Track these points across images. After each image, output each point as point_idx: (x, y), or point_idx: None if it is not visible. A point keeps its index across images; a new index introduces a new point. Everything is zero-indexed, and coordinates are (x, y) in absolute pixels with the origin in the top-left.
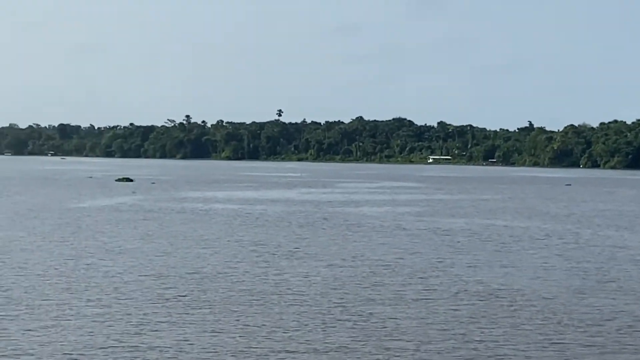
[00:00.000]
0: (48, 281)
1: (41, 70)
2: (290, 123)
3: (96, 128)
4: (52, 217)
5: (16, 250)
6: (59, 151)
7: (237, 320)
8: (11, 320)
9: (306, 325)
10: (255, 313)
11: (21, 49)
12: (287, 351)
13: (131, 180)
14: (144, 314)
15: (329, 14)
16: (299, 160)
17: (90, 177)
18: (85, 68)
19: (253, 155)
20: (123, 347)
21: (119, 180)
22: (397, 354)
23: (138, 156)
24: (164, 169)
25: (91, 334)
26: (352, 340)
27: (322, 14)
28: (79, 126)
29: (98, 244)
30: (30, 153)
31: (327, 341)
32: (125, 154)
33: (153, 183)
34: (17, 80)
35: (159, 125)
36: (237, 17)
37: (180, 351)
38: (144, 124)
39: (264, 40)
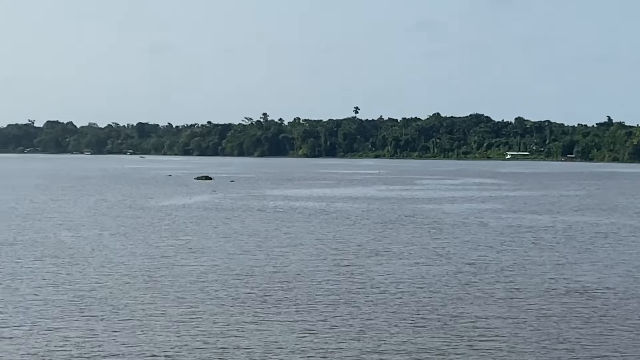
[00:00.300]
0: (132, 281)
1: (120, 70)
2: (367, 120)
3: (174, 126)
4: (133, 216)
5: (99, 250)
6: (137, 150)
7: (325, 320)
8: (97, 321)
9: (395, 325)
10: (343, 313)
11: (100, 49)
12: (378, 352)
13: (210, 179)
14: (230, 314)
15: (408, 10)
16: (376, 157)
17: (170, 176)
18: (163, 67)
19: (330, 152)
20: (210, 348)
21: (198, 178)
22: (491, 355)
23: (216, 154)
24: (242, 166)
25: (178, 334)
26: (443, 341)
27: (400, 10)
28: (157, 125)
29: (180, 243)
30: (110, 152)
31: (417, 342)
32: (203, 152)
33: (232, 181)
34: (97, 80)
35: (237, 123)
36: (314, 13)
37: (268, 352)
38: (222, 122)
39: (341, 37)
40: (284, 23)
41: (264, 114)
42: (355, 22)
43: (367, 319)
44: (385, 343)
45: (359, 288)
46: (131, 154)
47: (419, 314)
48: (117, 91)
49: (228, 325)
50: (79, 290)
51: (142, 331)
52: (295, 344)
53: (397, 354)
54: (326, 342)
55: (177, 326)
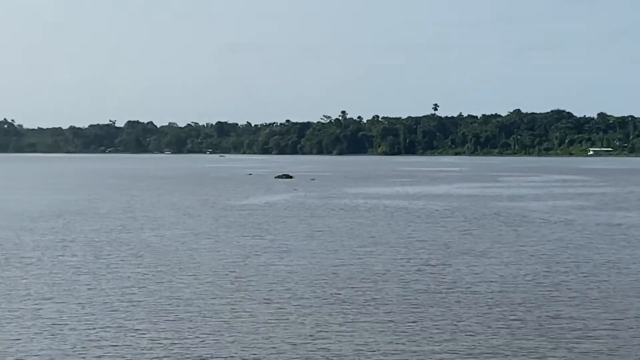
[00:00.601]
0: (218, 282)
1: (199, 69)
2: (446, 117)
3: (253, 125)
4: (216, 216)
5: (183, 250)
6: (217, 149)
7: (416, 321)
8: (184, 322)
9: (488, 327)
10: (433, 314)
11: (179, 49)
12: (473, 354)
13: (291, 177)
14: (319, 316)
15: (488, 6)
16: (456, 154)
17: (250, 174)
18: (242, 66)
19: (409, 150)
20: (299, 351)
21: (278, 177)
22: (591, 358)
23: (294, 153)
24: (321, 165)
25: (266, 337)
26: (539, 343)
27: (480, 6)
28: (236, 124)
29: (264, 243)
30: (189, 151)
31: (513, 344)
32: (282, 151)
33: (313, 179)
34: (176, 80)
35: (315, 121)
36: (390, 11)
37: (359, 355)
38: (300, 121)
39: (419, 34)
40: (363, 21)
41: (343, 112)
42: (434, 20)
43: (459, 320)
44: (479, 345)
45: (448, 288)
46: (211, 153)
47: (512, 315)
48: (197, 90)
49: (317, 327)
50: (164, 291)
51: (229, 333)
52: (387, 346)
53: (492, 356)
54: (418, 345)
55: (266, 328)
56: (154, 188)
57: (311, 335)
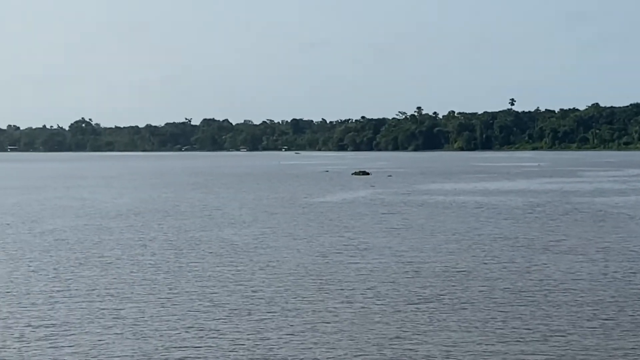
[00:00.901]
0: (299, 280)
1: (274, 67)
2: (523, 112)
3: (328, 122)
4: (294, 213)
5: (263, 248)
6: (292, 146)
7: (504, 321)
8: (266, 323)
9: (581, 326)
10: (523, 314)
11: (254, 47)
12: (566, 356)
13: (367, 174)
14: (404, 316)
15: None
16: (533, 149)
17: (327, 171)
18: (316, 63)
19: (486, 145)
20: (386, 352)
21: (355, 173)
22: None
23: (370, 149)
24: (397, 161)
25: (351, 338)
26: (637, 343)
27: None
28: (311, 120)
29: (344, 240)
30: (265, 148)
31: (608, 344)
32: (357, 147)
33: (389, 176)
34: (251, 77)
35: (391, 117)
36: (468, 7)
37: (449, 357)
38: (376, 117)
39: (494, 29)
40: (437, 17)
41: (418, 108)
42: (510, 14)
43: (549, 320)
44: (572, 346)
45: (535, 286)
46: (286, 150)
47: (604, 314)
48: (272, 88)
49: (403, 327)
50: (245, 291)
51: (313, 334)
52: (476, 347)
53: (586, 357)
54: (509, 345)
55: (350, 329)
56: (231, 186)
57: (397, 337)
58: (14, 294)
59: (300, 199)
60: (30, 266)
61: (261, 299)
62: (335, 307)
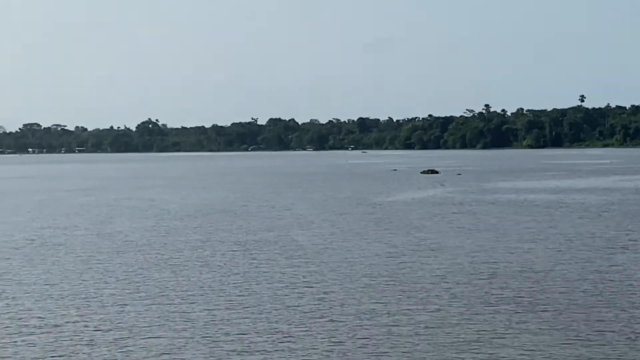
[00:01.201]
0: (372, 282)
1: (340, 65)
2: (593, 108)
3: (394, 120)
4: (364, 213)
5: (333, 249)
6: (358, 145)
7: (587, 324)
8: (340, 327)
9: None
10: (607, 316)
11: (320, 46)
12: None
13: (437, 172)
14: (482, 318)
15: None
16: (604, 146)
17: (395, 170)
18: (382, 61)
19: (555, 142)
20: (465, 356)
21: (424, 172)
22: None
23: (437, 147)
24: (466, 159)
25: (428, 342)
26: None
27: None
28: (378, 119)
29: (416, 240)
30: (331, 148)
31: None
32: (424, 146)
33: (459, 174)
34: (318, 77)
35: (458, 115)
36: (536, 6)
37: None
38: (443, 115)
39: (563, 26)
40: (503, 15)
41: (486, 106)
42: (578, 10)
43: (635, 323)
44: None
45: (617, 287)
46: (352, 149)
47: None
48: (338, 87)
49: (481, 330)
50: (317, 293)
51: (388, 338)
52: (559, 352)
53: None
54: (593, 350)
55: (426, 332)
56: (299, 185)
57: (476, 340)
58: (83, 297)
59: (369, 198)
60: (99, 268)
61: (334, 301)
62: (410, 310)
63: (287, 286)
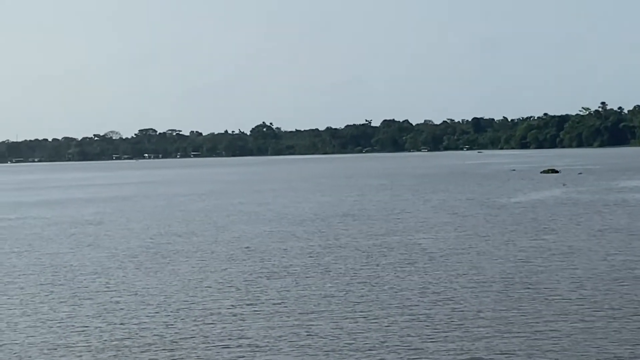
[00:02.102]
0: (506, 289)
1: (453, 66)
2: None
3: (509, 120)
4: (487, 215)
5: (458, 254)
6: (473, 145)
7: None
8: (474, 338)
9: None
10: None
11: (433, 46)
12: None
13: (557, 172)
14: (630, 328)
15: None
16: None
17: (514, 170)
18: (496, 61)
19: None
20: None
21: (544, 172)
22: None
23: (553, 146)
24: (585, 158)
25: (574, 356)
26: None
27: None
28: (492, 119)
29: (545, 243)
30: (446, 148)
31: None
32: (540, 145)
33: (580, 173)
34: (431, 77)
35: (574, 114)
36: None
37: None
38: (558, 114)
39: None
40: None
41: (602, 103)
42: None
43: None
44: None
45: None
46: (467, 149)
47: None
48: (452, 87)
49: (630, 342)
50: (447, 302)
51: (530, 351)
52: None
53: None
54: None
55: (572, 345)
56: (418, 187)
57: (630, 356)
58: (200, 309)
59: (491, 199)
60: (217, 278)
61: (467, 311)
62: (550, 320)
63: (416, 295)
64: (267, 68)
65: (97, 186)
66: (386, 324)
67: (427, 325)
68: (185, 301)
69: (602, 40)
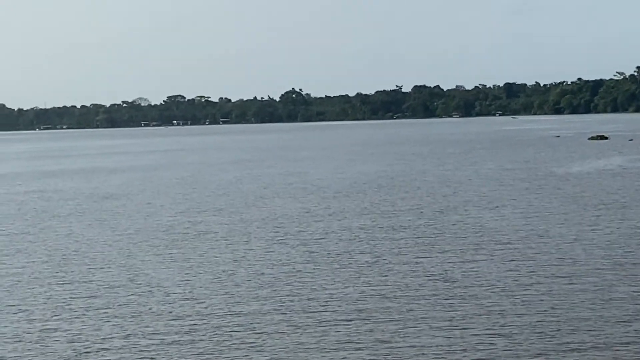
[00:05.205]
0: (598, 276)
1: (485, 31)
2: None
3: (542, 85)
4: (550, 187)
5: (536, 236)
6: (505, 110)
7: None
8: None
9: None
10: None
11: (465, 11)
12: None
13: (606, 138)
14: None
15: None
16: None
17: (557, 136)
18: (528, 26)
19: None
20: None
21: (592, 138)
22: None
23: (587, 112)
24: (628, 123)
25: None
26: None
27: None
28: (525, 84)
29: (633, 223)
30: (478, 114)
31: None
32: (574, 110)
33: (631, 140)
34: (462, 42)
35: (608, 78)
36: None
37: None
38: (592, 78)
39: None
40: None
41: (638, 68)
42: None
43: None
44: None
45: None
46: (500, 115)
47: None
48: (483, 52)
49: None
50: (541, 297)
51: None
52: None
53: None
54: None
55: None
56: (461, 155)
57: None
58: (236, 301)
59: (545, 169)
60: (249, 273)
61: (559, 309)
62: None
63: (498, 287)
64: (296, 34)
65: (125, 154)
66: (461, 327)
67: (511, 322)
68: (216, 289)
69: (635, 3)
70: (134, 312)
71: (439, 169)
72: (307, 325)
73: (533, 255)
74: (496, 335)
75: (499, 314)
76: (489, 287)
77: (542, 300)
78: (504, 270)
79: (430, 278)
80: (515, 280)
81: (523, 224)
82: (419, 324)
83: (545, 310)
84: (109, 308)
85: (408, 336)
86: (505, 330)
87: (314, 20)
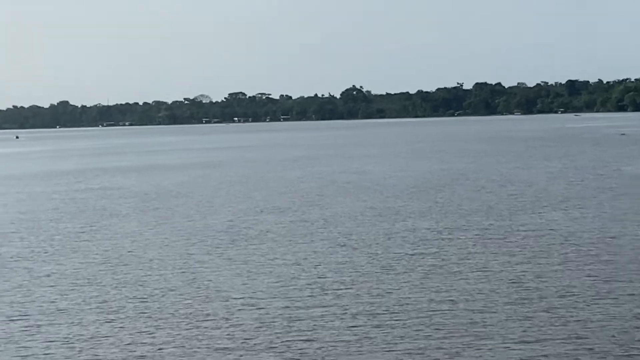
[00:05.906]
0: None
1: (546, 27)
2: None
3: (605, 82)
4: (623, 187)
5: (620, 243)
6: (567, 108)
7: None
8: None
9: None
10: None
11: (528, 6)
12: None
13: None
14: None
15: None
16: None
17: (623, 134)
18: (590, 20)
19: None
20: None
21: None
22: None
23: None
24: None
25: None
26: None
27: None
28: (587, 81)
29: None
30: (539, 111)
31: None
32: (637, 108)
33: None
34: (524, 39)
35: None
36: None
37: None
38: None
39: None
40: None
41: None
42: None
43: None
44: None
45: None
46: (562, 112)
47: None
48: (546, 49)
49: None
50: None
51: None
52: None
53: None
54: None
55: None
56: (526, 153)
57: None
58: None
59: (616, 168)
60: (310, 267)
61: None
62: None
63: (574, 295)
64: (357, 31)
65: (186, 151)
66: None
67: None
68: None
69: None
70: (191, 318)
71: (503, 166)
72: (373, 334)
73: (609, 259)
74: (578, 349)
75: (578, 323)
76: (565, 295)
77: (625, 308)
78: (580, 275)
79: (501, 284)
80: (593, 286)
81: (596, 225)
82: (492, 334)
83: (629, 320)
84: (164, 313)
85: (480, 349)
86: (588, 343)
87: (374, 18)
